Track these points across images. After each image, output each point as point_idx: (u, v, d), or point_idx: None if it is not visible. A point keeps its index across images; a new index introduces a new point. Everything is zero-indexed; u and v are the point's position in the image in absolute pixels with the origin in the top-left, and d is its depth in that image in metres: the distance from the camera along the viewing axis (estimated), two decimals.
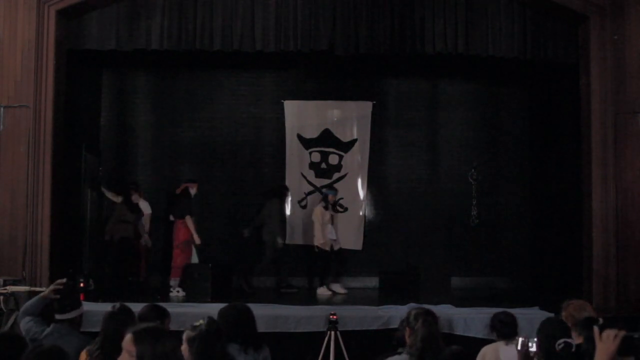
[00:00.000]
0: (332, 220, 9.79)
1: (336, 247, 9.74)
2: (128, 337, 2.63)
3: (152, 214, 9.86)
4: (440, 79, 11.12)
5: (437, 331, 3.96)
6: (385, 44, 8.59)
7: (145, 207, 9.77)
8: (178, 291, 8.78)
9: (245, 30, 8.48)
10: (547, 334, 3.39)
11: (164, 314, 4.32)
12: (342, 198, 10.75)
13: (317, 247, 9.59)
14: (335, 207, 9.99)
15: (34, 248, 7.90)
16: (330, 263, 9.61)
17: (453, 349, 3.31)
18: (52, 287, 4.71)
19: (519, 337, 4.01)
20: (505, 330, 4.69)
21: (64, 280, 4.79)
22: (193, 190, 9.36)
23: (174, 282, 8.90)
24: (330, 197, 9.93)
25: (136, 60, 10.25)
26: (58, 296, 4.58)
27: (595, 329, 2.51)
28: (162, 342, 2.63)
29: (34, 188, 7.97)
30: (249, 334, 4.04)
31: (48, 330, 4.45)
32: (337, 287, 9.51)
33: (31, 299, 4.82)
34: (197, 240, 9.10)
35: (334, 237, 9.69)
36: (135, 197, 9.68)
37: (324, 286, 9.46)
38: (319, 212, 9.73)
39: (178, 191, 9.40)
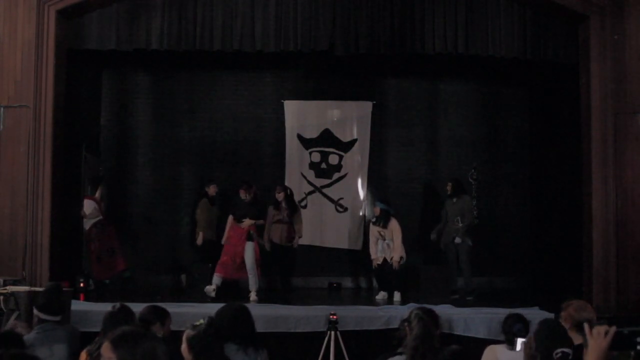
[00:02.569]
0: (383, 236, 9.00)
1: (389, 260, 8.93)
2: (105, 345, 2.63)
3: (151, 214, 9.81)
4: (440, 79, 11.11)
5: (433, 331, 3.95)
6: (385, 44, 8.59)
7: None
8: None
9: (245, 30, 8.48)
10: (543, 337, 3.40)
11: (164, 314, 4.33)
12: (341, 198, 10.76)
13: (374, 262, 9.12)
14: (385, 221, 9.04)
15: (34, 248, 7.90)
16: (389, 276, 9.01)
17: (452, 349, 3.31)
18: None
19: (518, 338, 4.02)
20: (512, 338, 4.67)
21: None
22: (244, 196, 8.97)
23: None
24: (375, 210, 9.26)
25: (136, 60, 10.24)
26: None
27: (586, 325, 2.52)
28: (141, 344, 2.62)
29: (34, 188, 7.97)
30: (247, 333, 4.03)
31: (33, 332, 4.46)
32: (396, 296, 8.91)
33: None
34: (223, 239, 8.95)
35: (383, 255, 8.97)
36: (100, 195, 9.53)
37: (384, 291, 8.99)
38: (371, 228, 9.27)
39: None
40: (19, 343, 3.56)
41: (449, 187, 9.46)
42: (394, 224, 9.07)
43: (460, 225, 9.16)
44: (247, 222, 8.72)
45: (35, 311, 4.61)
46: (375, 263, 9.09)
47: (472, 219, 9.41)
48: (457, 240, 9.17)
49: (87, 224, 9.36)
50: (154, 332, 4.23)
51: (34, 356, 2.93)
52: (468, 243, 9.19)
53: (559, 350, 3.24)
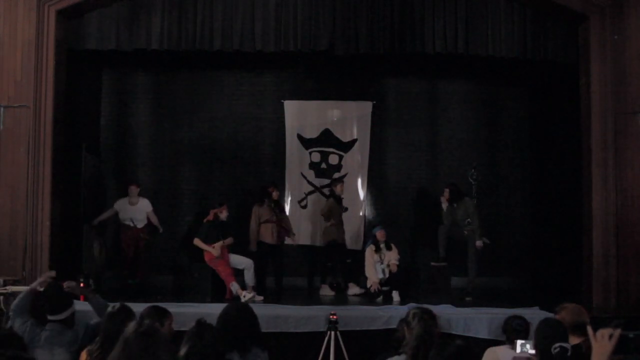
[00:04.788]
0: (382, 260, 9.07)
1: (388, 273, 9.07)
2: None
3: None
4: (440, 79, 11.11)
5: (433, 330, 3.95)
6: (385, 44, 8.59)
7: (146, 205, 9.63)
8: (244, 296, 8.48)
9: (245, 30, 8.48)
10: (544, 335, 3.40)
11: (164, 314, 4.33)
12: (342, 198, 10.73)
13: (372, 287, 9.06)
14: (389, 245, 9.19)
15: (34, 248, 7.90)
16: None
17: (459, 344, 3.28)
18: (39, 280, 4.75)
19: (518, 340, 4.02)
20: (515, 336, 4.67)
21: (53, 273, 4.83)
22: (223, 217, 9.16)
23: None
24: (378, 234, 9.20)
25: (136, 60, 10.25)
26: (42, 289, 4.62)
27: (589, 328, 2.50)
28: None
29: (34, 188, 7.97)
30: (253, 333, 4.00)
31: (44, 331, 4.49)
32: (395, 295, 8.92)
33: (19, 295, 4.86)
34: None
35: (381, 277, 9.02)
36: (133, 193, 9.51)
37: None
38: (368, 253, 9.23)
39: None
40: (18, 344, 3.56)
41: (446, 193, 9.37)
42: (394, 247, 9.19)
43: (470, 227, 9.11)
44: (218, 245, 8.76)
45: None
46: (375, 287, 9.00)
47: (479, 218, 9.28)
48: (479, 243, 9.06)
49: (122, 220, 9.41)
50: None
51: (30, 357, 2.94)
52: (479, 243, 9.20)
53: (557, 345, 3.24)
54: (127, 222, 9.51)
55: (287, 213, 10.41)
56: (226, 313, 4.02)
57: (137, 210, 9.57)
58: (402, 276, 9.11)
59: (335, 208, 9.65)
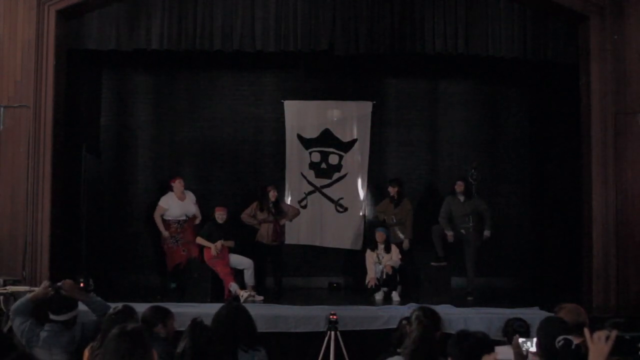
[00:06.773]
0: (381, 261, 9.07)
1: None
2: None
3: (151, 214, 9.76)
4: (440, 79, 11.11)
5: (432, 334, 3.92)
6: (385, 44, 8.59)
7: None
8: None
9: (245, 30, 8.48)
10: (547, 332, 3.39)
11: (166, 315, 4.34)
12: (341, 198, 10.74)
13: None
14: (389, 247, 9.16)
15: (34, 248, 7.90)
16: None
17: (477, 335, 3.24)
18: (43, 287, 4.75)
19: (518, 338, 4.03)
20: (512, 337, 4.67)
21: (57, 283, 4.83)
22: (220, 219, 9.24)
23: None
24: (378, 235, 9.19)
25: (136, 60, 10.25)
26: (52, 292, 4.62)
27: (586, 330, 2.50)
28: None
29: (34, 188, 7.97)
30: (248, 332, 4.01)
31: (43, 332, 4.50)
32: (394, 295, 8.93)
33: (21, 299, 4.87)
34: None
35: (376, 276, 9.00)
36: (180, 188, 9.47)
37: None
38: (367, 254, 9.26)
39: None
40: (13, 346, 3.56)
41: (460, 187, 9.41)
42: (394, 249, 9.20)
43: (472, 224, 9.19)
44: (219, 243, 8.82)
45: None
46: (372, 282, 9.01)
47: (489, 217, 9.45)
48: (487, 233, 9.30)
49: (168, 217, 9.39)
50: (157, 333, 4.23)
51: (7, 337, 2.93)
52: (477, 243, 9.22)
53: (560, 338, 3.22)
54: (180, 218, 9.43)
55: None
56: (219, 315, 4.03)
57: (188, 205, 9.54)
58: (401, 276, 9.11)
59: (387, 208, 9.68)
